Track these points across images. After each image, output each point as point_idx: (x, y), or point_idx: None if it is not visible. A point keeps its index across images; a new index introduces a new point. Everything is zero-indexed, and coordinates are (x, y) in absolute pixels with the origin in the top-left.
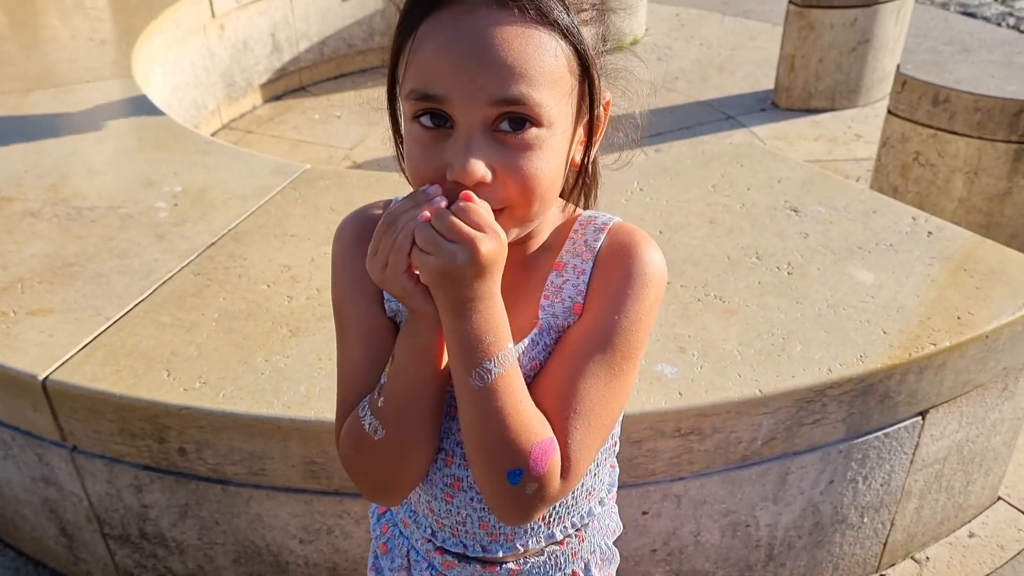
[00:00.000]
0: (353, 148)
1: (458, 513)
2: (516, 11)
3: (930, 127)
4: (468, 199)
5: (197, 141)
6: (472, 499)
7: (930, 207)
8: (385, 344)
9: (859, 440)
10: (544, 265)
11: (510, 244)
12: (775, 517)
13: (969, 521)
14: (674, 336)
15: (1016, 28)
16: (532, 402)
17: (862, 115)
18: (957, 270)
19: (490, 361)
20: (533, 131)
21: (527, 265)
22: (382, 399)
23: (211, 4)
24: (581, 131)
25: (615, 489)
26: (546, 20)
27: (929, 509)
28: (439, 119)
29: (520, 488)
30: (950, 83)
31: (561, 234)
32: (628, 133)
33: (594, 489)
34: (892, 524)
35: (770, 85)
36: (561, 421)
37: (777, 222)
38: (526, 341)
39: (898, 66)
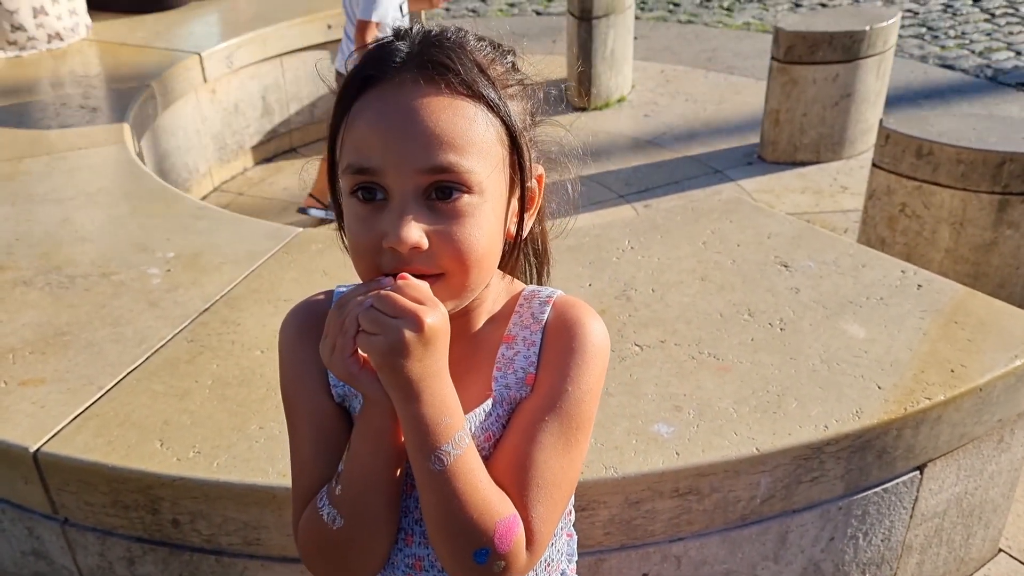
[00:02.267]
0: None
1: None
2: (443, 85)
3: (915, 179)
4: (405, 279)
5: (189, 206)
6: None
7: (918, 258)
8: (335, 431)
9: (858, 496)
10: (492, 338)
11: (456, 317)
12: None
13: (971, 575)
14: (669, 395)
15: (994, 80)
16: (491, 480)
17: (847, 167)
18: (948, 323)
19: (448, 443)
20: (465, 199)
21: (474, 338)
22: (339, 487)
23: (203, 69)
24: (515, 203)
25: (575, 559)
26: (472, 93)
27: (930, 564)
28: (374, 192)
29: (487, 567)
30: (932, 136)
31: (507, 308)
32: (560, 204)
33: (553, 561)
34: None
35: (756, 139)
36: (522, 495)
37: (768, 278)
38: (480, 413)
39: (881, 120)
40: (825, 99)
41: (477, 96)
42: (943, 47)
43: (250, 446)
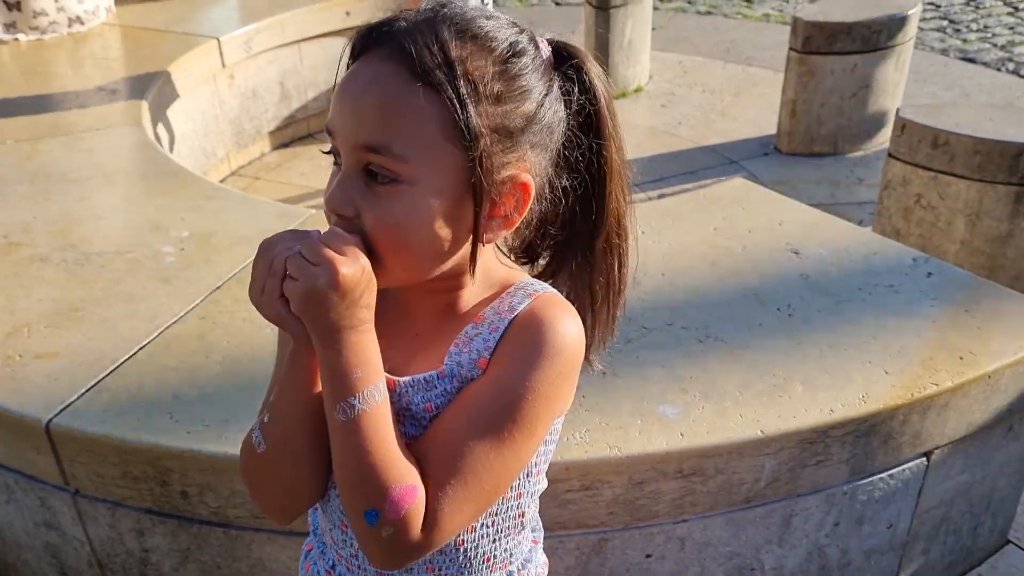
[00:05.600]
0: None
1: (351, 545)
2: (405, 68)
3: (931, 170)
4: (333, 229)
5: (204, 187)
6: None
7: (932, 249)
8: None
9: (864, 482)
10: (467, 317)
11: (438, 293)
12: (780, 560)
13: (978, 564)
14: (675, 377)
15: (1016, 73)
16: (397, 444)
17: (864, 159)
18: (958, 311)
19: (355, 397)
20: (392, 186)
21: (451, 314)
22: (267, 415)
23: (221, 54)
24: (487, 207)
25: (532, 567)
26: (429, 83)
27: (937, 552)
28: (334, 156)
29: (376, 529)
30: (949, 126)
31: (495, 294)
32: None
33: (496, 559)
34: (899, 568)
35: (772, 130)
36: (438, 472)
37: (778, 264)
38: (420, 380)
39: (898, 110)
40: (843, 90)
41: (434, 87)
42: (965, 40)
43: None
